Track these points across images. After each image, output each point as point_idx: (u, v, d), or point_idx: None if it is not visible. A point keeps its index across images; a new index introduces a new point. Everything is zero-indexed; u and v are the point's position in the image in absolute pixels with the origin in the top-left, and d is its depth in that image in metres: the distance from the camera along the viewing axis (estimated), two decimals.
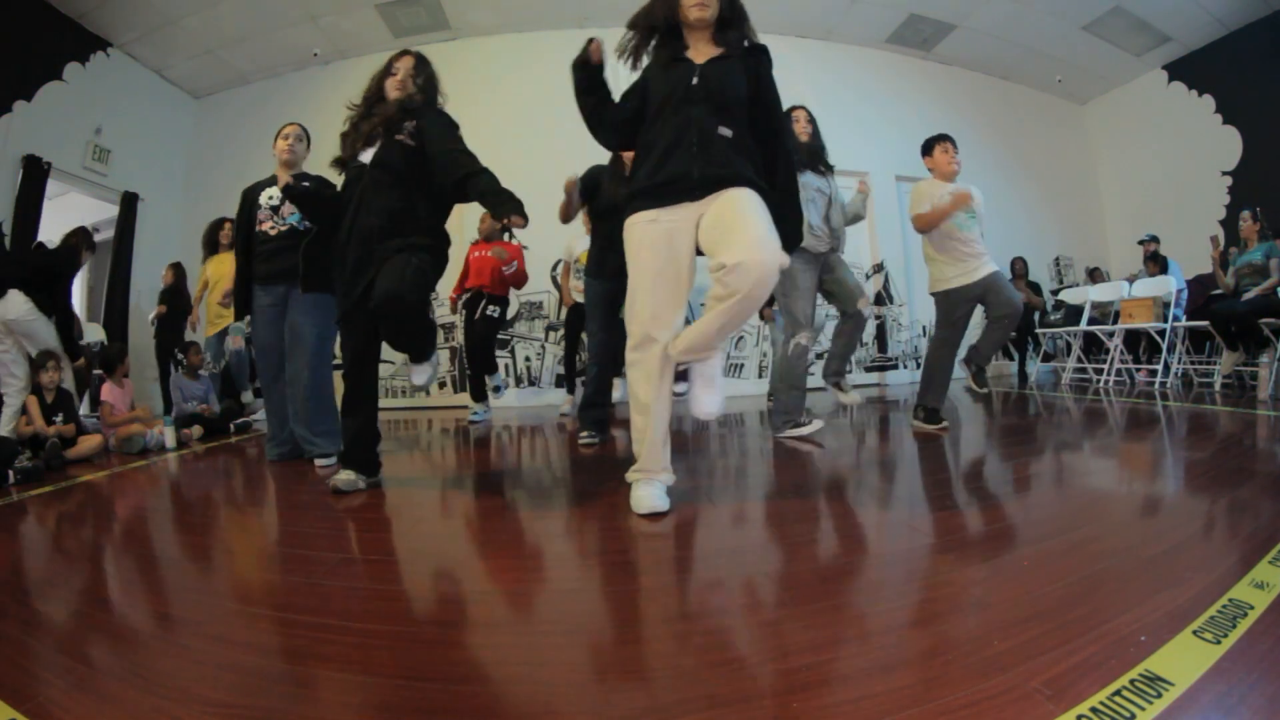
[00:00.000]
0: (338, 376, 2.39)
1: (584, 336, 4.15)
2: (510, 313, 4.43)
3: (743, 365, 5.89)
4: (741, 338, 5.91)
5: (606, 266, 2.82)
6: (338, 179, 2.24)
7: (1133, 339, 5.07)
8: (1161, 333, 4.51)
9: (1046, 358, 5.93)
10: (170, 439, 3.50)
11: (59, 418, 3.18)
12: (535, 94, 5.69)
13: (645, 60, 1.79)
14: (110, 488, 2.59)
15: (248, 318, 2.92)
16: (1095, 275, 6.49)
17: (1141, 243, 5.67)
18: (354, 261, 1.99)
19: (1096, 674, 0.76)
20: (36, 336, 3.62)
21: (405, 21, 5.51)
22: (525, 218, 1.77)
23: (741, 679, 0.83)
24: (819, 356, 4.84)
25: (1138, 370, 4.98)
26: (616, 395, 4.54)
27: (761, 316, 4.74)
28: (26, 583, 1.39)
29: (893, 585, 1.19)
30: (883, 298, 6.22)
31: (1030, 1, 5.52)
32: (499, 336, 5.24)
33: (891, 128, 6.02)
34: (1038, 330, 5.71)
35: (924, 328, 6.34)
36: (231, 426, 4.19)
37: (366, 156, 2.04)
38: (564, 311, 4.57)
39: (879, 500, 1.71)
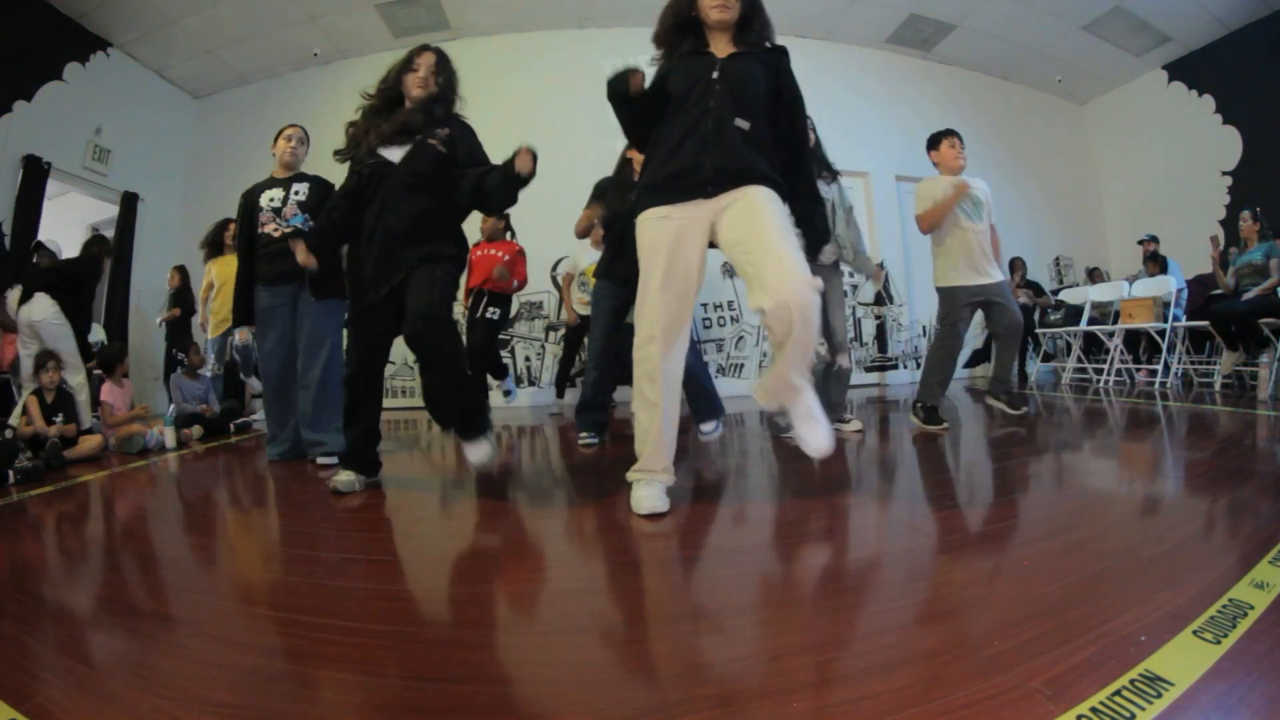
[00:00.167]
0: None
1: (585, 341, 4.15)
2: (510, 312, 4.42)
3: (742, 365, 5.89)
4: (741, 337, 5.91)
5: (616, 271, 2.80)
6: (337, 170, 2.18)
7: (1133, 339, 5.07)
8: (1161, 333, 4.51)
9: (1046, 358, 5.93)
10: (170, 439, 3.50)
11: (59, 418, 3.18)
12: (535, 94, 5.69)
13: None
14: (110, 488, 2.58)
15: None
16: (1095, 275, 6.49)
17: (1141, 242, 5.67)
18: (375, 263, 1.95)
19: (1096, 674, 0.76)
20: (59, 341, 3.74)
21: (405, 21, 5.52)
22: (532, 154, 1.82)
23: (742, 679, 0.83)
24: None
25: (1138, 370, 4.98)
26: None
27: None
28: (26, 583, 1.39)
29: (893, 585, 1.19)
30: (883, 297, 6.22)
31: (1030, 1, 5.52)
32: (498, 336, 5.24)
33: (891, 128, 6.02)
34: (1038, 330, 5.71)
35: (924, 328, 6.34)
36: (231, 426, 4.19)
37: (390, 153, 1.98)
38: (564, 312, 4.56)
39: (879, 500, 1.71)
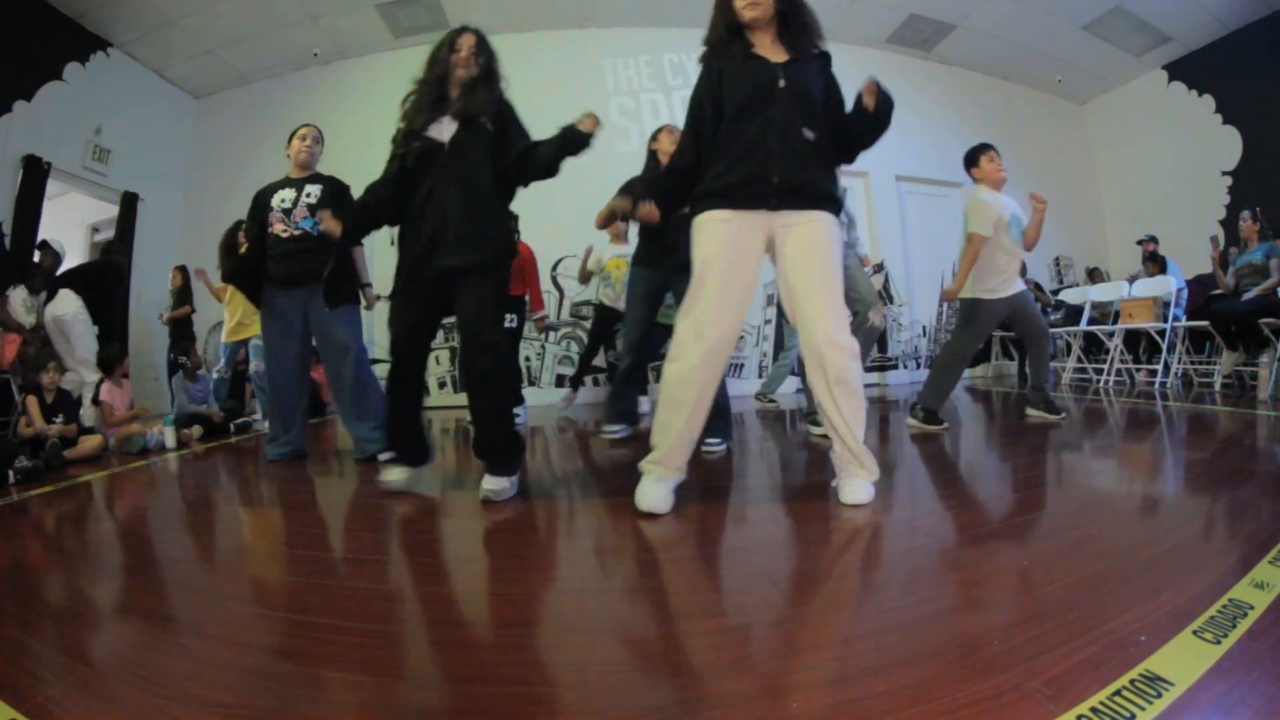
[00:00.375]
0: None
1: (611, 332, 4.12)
2: (524, 314, 4.31)
3: (742, 365, 5.89)
4: (742, 337, 5.91)
5: (653, 256, 2.80)
6: (346, 169, 2.18)
7: (1133, 339, 5.07)
8: (1161, 333, 4.51)
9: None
10: (170, 439, 3.50)
11: (59, 418, 3.18)
12: (535, 94, 5.67)
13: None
14: (110, 488, 2.59)
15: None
16: (1095, 275, 6.49)
17: (1140, 242, 5.67)
18: (428, 241, 1.89)
19: (1096, 674, 0.76)
20: (80, 339, 3.83)
21: (405, 21, 5.52)
22: (594, 117, 1.83)
23: (742, 679, 0.83)
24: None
25: (1138, 370, 4.98)
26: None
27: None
28: (26, 583, 1.39)
29: (893, 585, 1.19)
30: (883, 297, 6.22)
31: (1030, 1, 5.52)
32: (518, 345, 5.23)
33: (892, 128, 6.00)
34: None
35: (924, 328, 6.35)
36: (231, 426, 4.19)
37: (438, 133, 1.94)
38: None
39: (879, 500, 1.70)
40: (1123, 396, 4.10)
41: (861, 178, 6.05)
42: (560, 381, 5.55)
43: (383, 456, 2.59)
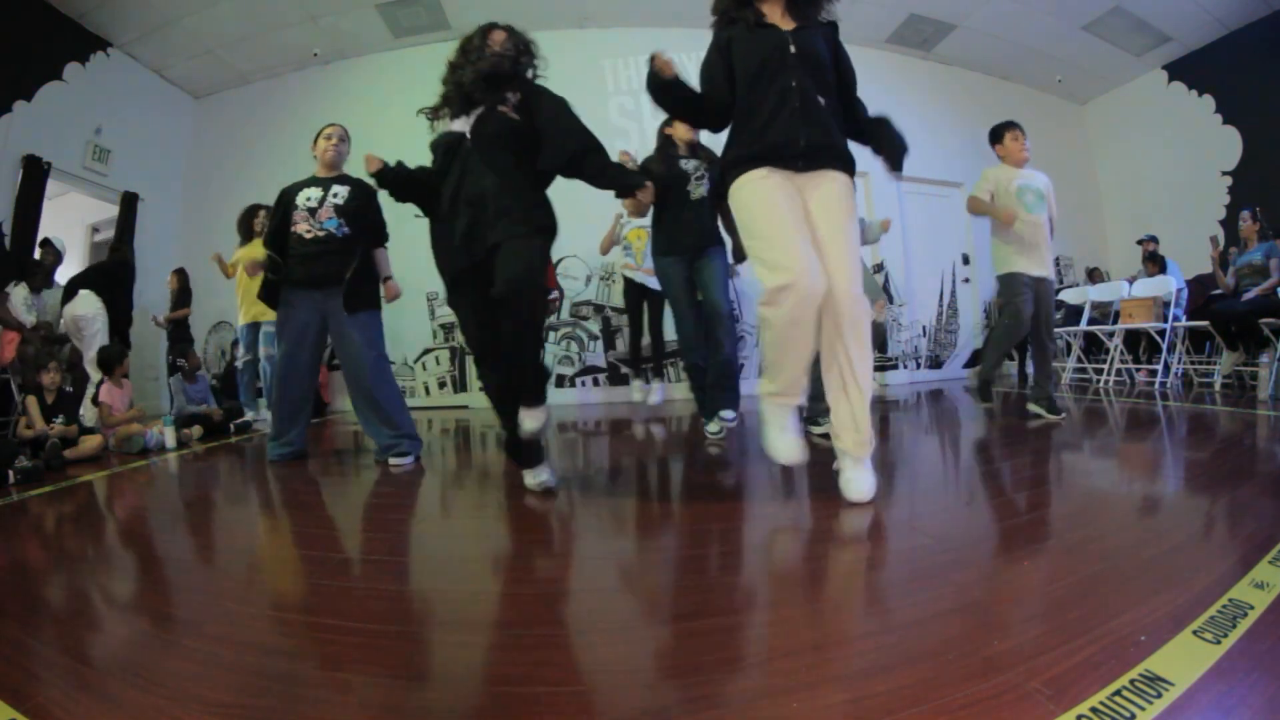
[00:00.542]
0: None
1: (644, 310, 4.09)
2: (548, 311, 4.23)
3: (743, 365, 5.89)
4: (742, 338, 5.91)
5: (679, 244, 2.78)
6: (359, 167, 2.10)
7: (1132, 339, 5.06)
8: (1161, 333, 4.51)
9: None
10: (170, 439, 3.50)
11: (59, 418, 3.18)
12: None
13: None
14: (110, 488, 2.59)
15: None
16: (1095, 275, 6.49)
17: (1140, 242, 5.66)
18: (465, 227, 1.85)
19: (1096, 674, 0.76)
20: (97, 338, 3.95)
21: (405, 21, 5.51)
22: (649, 190, 1.86)
23: (742, 679, 0.83)
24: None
25: (1138, 370, 4.97)
26: (658, 395, 4.48)
27: None
28: (26, 583, 1.39)
29: (893, 585, 1.19)
30: (886, 293, 6.22)
31: (1030, 1, 5.52)
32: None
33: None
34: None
35: (924, 328, 6.34)
36: (231, 426, 4.19)
37: (459, 125, 1.93)
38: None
39: (879, 500, 1.70)
40: (1123, 396, 4.10)
41: (862, 178, 6.04)
42: (560, 381, 5.54)
43: (395, 461, 2.61)
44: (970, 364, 6.33)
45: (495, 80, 1.90)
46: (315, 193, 2.73)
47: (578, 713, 0.77)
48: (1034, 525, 1.50)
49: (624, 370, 4.66)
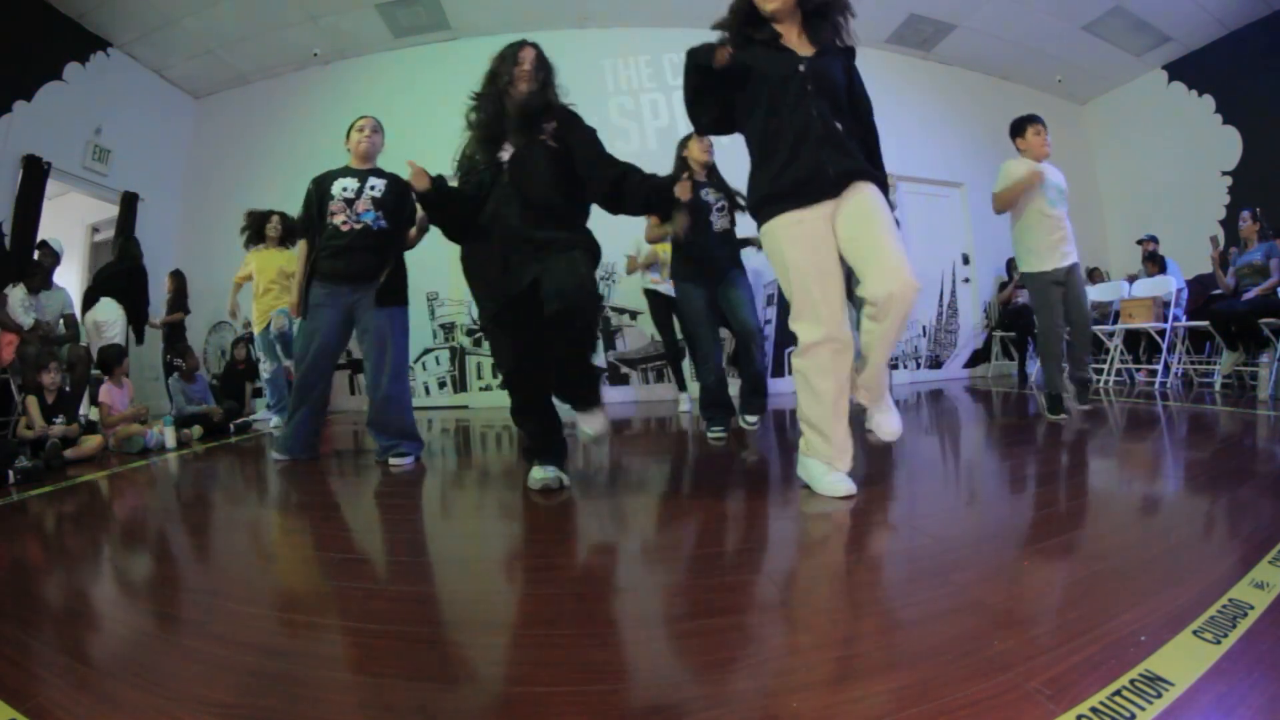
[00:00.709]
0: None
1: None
2: None
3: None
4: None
5: (701, 273, 2.86)
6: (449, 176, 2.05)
7: (1133, 339, 5.06)
8: (1161, 333, 4.51)
9: None
10: (170, 439, 3.50)
11: (60, 418, 3.18)
12: None
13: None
14: (110, 488, 2.59)
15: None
16: (1095, 275, 6.48)
17: (1140, 242, 5.67)
18: (502, 258, 1.84)
19: (1096, 674, 0.76)
20: (115, 342, 4.03)
21: (405, 21, 5.51)
22: (693, 183, 1.87)
23: (742, 679, 0.83)
24: None
25: (1138, 370, 4.97)
26: (686, 403, 4.49)
27: None
28: (26, 583, 1.39)
29: (893, 585, 1.19)
30: None
31: (1030, 1, 5.51)
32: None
33: (891, 128, 5.93)
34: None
35: (924, 328, 6.34)
36: (231, 426, 4.19)
37: (499, 152, 1.91)
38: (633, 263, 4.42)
39: (879, 500, 1.71)
40: (1123, 396, 4.10)
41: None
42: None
43: (395, 461, 2.60)
44: (970, 364, 6.34)
45: (533, 118, 1.90)
46: (351, 183, 2.65)
47: (578, 713, 0.77)
48: (1034, 525, 1.50)
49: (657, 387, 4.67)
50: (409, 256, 2.84)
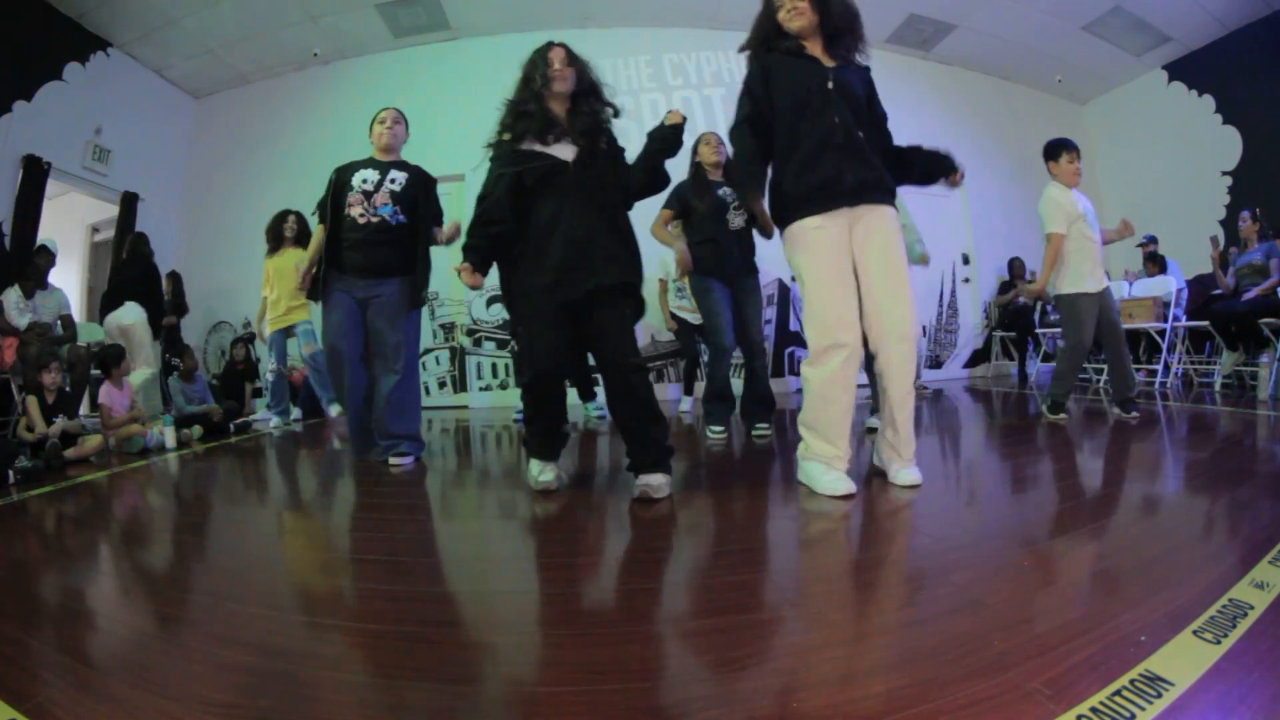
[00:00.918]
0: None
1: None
2: None
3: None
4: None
5: (719, 270, 2.91)
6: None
7: (1133, 339, 5.06)
8: (1161, 333, 4.50)
9: (1046, 358, 5.93)
10: (170, 439, 3.50)
11: (60, 418, 3.18)
12: None
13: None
14: (110, 488, 2.59)
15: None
16: None
17: (1140, 244, 5.67)
18: (558, 265, 1.80)
19: (1096, 674, 0.76)
20: (144, 346, 4.21)
21: (405, 21, 5.51)
22: (679, 112, 1.87)
23: (742, 679, 0.83)
24: None
25: (1138, 370, 4.97)
26: (688, 404, 4.50)
27: None
28: (27, 583, 1.39)
29: (893, 585, 1.19)
30: None
31: (1030, 1, 5.51)
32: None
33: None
34: (1038, 330, 5.72)
35: (924, 327, 6.34)
36: (231, 426, 4.20)
37: (559, 151, 1.87)
38: (664, 321, 4.42)
39: (879, 500, 1.71)
40: None
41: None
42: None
43: (395, 460, 2.58)
44: (970, 364, 6.33)
45: (594, 107, 1.94)
46: (372, 174, 2.61)
47: (581, 712, 0.77)
48: (1034, 525, 1.50)
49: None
50: None
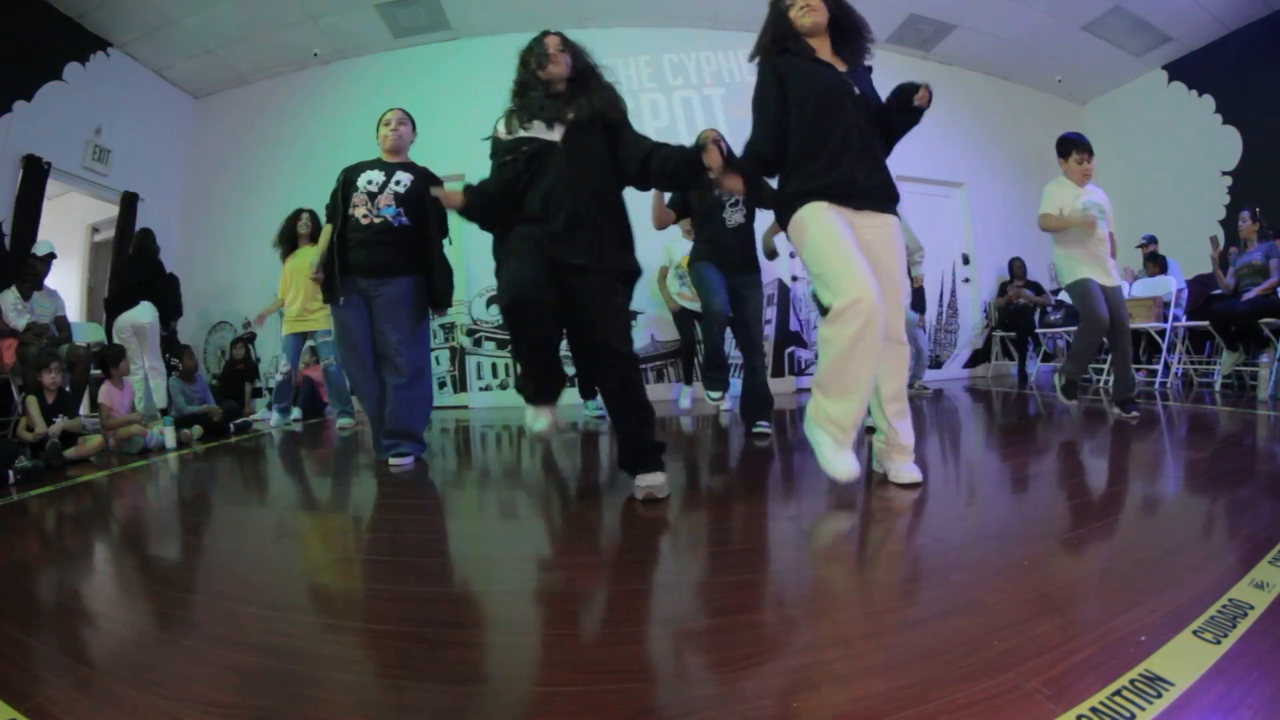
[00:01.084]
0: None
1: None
2: None
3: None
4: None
5: (729, 261, 2.92)
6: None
7: (1133, 339, 5.05)
8: (1161, 333, 4.50)
9: (1046, 358, 5.93)
10: (170, 439, 3.50)
11: (60, 418, 3.18)
12: None
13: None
14: (110, 488, 2.59)
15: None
16: None
17: (1140, 244, 5.68)
18: (561, 228, 1.77)
19: (1096, 674, 0.76)
20: (156, 345, 4.25)
21: (405, 21, 5.51)
22: (720, 147, 1.72)
23: (742, 679, 0.83)
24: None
25: (1138, 370, 4.97)
26: (687, 399, 4.50)
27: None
28: (27, 583, 1.39)
29: (893, 585, 1.19)
30: None
31: (1030, 1, 5.51)
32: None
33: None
34: (1038, 330, 5.72)
35: (925, 328, 6.34)
36: (231, 426, 4.20)
37: (549, 134, 1.86)
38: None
39: (879, 500, 1.70)
40: None
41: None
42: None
43: (396, 461, 2.56)
44: (970, 364, 6.33)
45: (587, 89, 1.93)
46: (378, 176, 2.62)
47: (582, 711, 0.77)
48: (1033, 525, 1.50)
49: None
50: None
